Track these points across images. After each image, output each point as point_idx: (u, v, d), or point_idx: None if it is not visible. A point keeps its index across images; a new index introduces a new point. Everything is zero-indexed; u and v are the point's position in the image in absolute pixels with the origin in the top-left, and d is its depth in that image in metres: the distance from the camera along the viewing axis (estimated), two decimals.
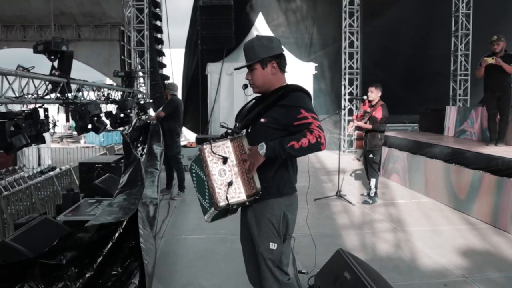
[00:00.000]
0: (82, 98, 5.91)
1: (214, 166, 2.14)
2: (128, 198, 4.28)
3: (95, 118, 5.77)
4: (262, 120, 2.25)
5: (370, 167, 6.42)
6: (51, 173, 10.95)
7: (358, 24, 12.17)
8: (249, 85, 2.39)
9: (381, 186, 7.18)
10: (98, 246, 3.25)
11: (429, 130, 9.53)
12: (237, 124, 2.37)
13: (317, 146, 2.09)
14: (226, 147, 2.15)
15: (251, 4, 13.90)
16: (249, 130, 2.35)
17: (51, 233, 3.30)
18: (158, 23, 12.83)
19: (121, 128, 8.18)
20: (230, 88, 12.83)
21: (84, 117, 5.08)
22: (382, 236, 4.83)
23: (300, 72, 12.05)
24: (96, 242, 3.22)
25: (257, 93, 2.40)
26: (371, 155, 6.35)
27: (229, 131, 2.25)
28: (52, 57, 4.92)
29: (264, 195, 2.23)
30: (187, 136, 16.75)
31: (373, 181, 6.41)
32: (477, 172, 5.59)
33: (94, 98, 6.31)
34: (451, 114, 8.58)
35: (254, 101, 2.47)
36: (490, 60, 6.14)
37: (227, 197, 2.12)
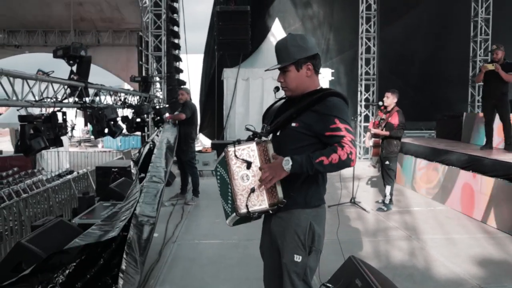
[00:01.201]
0: (99, 103, 6.02)
1: (237, 170, 2.04)
2: (122, 213, 3.91)
3: (112, 122, 5.87)
4: (293, 124, 2.10)
5: (386, 174, 6.36)
6: (69, 176, 11.09)
7: (375, 30, 12.10)
8: (280, 88, 2.22)
9: (397, 194, 7.11)
10: (77, 274, 2.87)
11: (446, 137, 9.38)
12: (265, 126, 2.21)
13: (347, 163, 1.95)
14: (252, 151, 2.04)
15: (268, 10, 13.99)
16: (277, 134, 2.19)
17: (66, 235, 3.35)
18: (175, 28, 13.00)
19: (138, 133, 8.23)
20: (246, 94, 12.88)
21: (101, 121, 5.17)
22: (396, 244, 4.77)
23: None
24: (78, 266, 2.86)
25: (289, 96, 2.23)
26: (387, 162, 6.30)
27: (256, 134, 2.12)
28: (71, 62, 5.02)
29: (290, 205, 2.09)
30: (203, 141, 16.85)
31: (388, 188, 6.35)
32: (495, 180, 5.48)
33: (111, 103, 6.40)
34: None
35: (283, 101, 2.30)
36: (490, 67, 6.37)
37: (247, 205, 2.02)
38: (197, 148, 9.86)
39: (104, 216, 4.08)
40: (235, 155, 2.04)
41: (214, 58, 13.69)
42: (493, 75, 6.37)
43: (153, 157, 5.22)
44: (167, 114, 9.38)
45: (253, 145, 2.05)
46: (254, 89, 12.83)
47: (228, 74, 12.94)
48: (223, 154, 2.11)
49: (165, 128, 6.66)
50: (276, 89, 2.25)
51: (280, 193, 2.02)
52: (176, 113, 6.88)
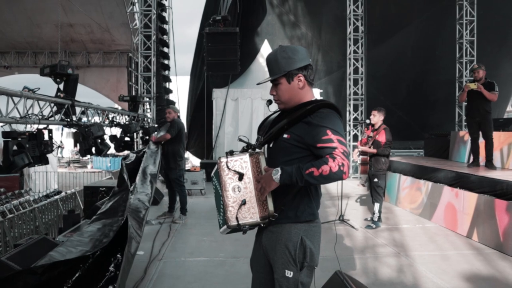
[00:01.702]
0: (86, 121, 5.99)
1: (228, 181, 2.00)
2: (103, 228, 3.76)
3: (99, 140, 5.83)
4: (285, 136, 2.05)
5: (375, 192, 6.37)
6: (56, 196, 10.98)
7: (362, 51, 12.29)
8: (273, 101, 2.19)
9: (385, 211, 7.10)
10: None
11: (434, 155, 9.48)
12: (259, 138, 2.18)
13: (338, 175, 1.88)
14: (244, 162, 2.01)
15: (256, 31, 14.18)
16: (270, 146, 2.14)
17: (47, 251, 3.28)
18: (165, 49, 13.09)
19: (126, 152, 8.19)
20: (235, 114, 12.95)
21: (87, 139, 5.14)
22: (385, 261, 4.74)
23: None
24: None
25: (282, 109, 2.19)
26: (375, 179, 6.31)
27: (249, 145, 2.09)
28: (58, 80, 5.02)
29: (281, 219, 2.04)
30: (192, 161, 16.80)
31: (377, 205, 6.34)
32: (482, 196, 5.51)
33: (98, 121, 6.38)
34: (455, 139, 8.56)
35: (278, 113, 2.25)
36: (473, 86, 6.50)
37: (237, 217, 1.98)
38: (186, 167, 9.83)
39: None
40: (227, 166, 2.01)
41: (201, 79, 13.79)
42: (476, 93, 6.51)
43: (138, 180, 5.19)
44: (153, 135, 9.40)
45: (245, 157, 2.02)
46: (243, 109, 12.91)
47: (218, 94, 13.01)
48: (216, 165, 2.09)
49: (147, 154, 6.59)
50: (269, 102, 2.22)
51: (271, 206, 1.99)
52: (161, 133, 6.87)
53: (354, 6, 12.23)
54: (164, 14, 12.92)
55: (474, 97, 6.59)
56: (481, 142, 6.85)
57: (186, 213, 6.88)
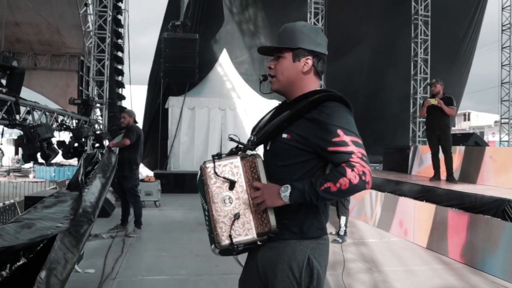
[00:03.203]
0: (32, 122, 5.39)
1: (217, 191, 1.63)
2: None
3: (46, 144, 5.24)
4: (284, 135, 1.68)
5: (341, 204, 6.16)
6: None
7: None
8: (268, 77, 1.80)
9: (348, 225, 6.91)
10: None
11: (393, 169, 9.50)
12: (252, 138, 1.80)
13: (360, 187, 1.54)
14: (235, 167, 1.64)
15: (215, 40, 13.88)
16: (267, 148, 1.78)
17: None
18: (119, 54, 12.47)
19: (73, 160, 7.58)
20: (191, 123, 12.53)
21: (33, 141, 4.56)
22: (358, 277, 4.49)
23: (263, 110, 11.89)
24: None
25: (275, 91, 1.81)
26: None
27: (242, 145, 1.72)
28: (0, 73, 4.44)
29: (283, 234, 1.66)
30: (143, 172, 16.09)
31: (343, 219, 6.13)
32: (450, 210, 5.44)
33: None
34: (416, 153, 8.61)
35: (274, 111, 1.86)
36: (433, 101, 6.60)
37: (230, 235, 1.60)
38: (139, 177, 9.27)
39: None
40: (215, 173, 1.63)
41: (160, 87, 13.29)
42: (436, 108, 6.60)
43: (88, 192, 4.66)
44: (106, 142, 8.79)
45: (236, 160, 1.65)
46: (200, 119, 12.51)
47: (174, 103, 12.54)
48: (199, 171, 1.69)
49: (100, 163, 6.07)
50: (263, 77, 1.83)
51: (272, 221, 1.62)
52: (117, 139, 6.38)
53: (314, 19, 12.26)
54: (120, 17, 12.33)
55: (434, 112, 6.67)
56: (441, 156, 6.89)
57: (140, 226, 6.35)
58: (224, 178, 1.63)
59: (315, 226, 1.70)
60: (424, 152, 8.23)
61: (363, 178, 1.53)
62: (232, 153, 1.71)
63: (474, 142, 8.82)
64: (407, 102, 13.54)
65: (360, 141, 1.60)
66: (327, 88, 1.77)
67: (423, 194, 6.12)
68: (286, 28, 1.76)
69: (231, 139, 1.71)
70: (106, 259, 4.87)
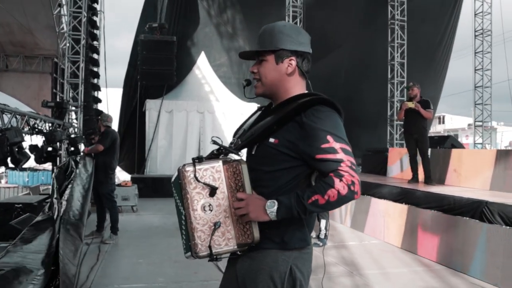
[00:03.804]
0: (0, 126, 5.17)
1: (197, 197, 1.52)
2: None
3: (16, 149, 5.03)
4: (271, 140, 1.59)
5: None
6: None
7: None
8: (252, 81, 1.74)
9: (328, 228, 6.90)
10: None
11: (372, 171, 9.54)
12: (235, 141, 1.70)
13: (349, 197, 1.46)
14: (216, 172, 1.54)
15: (193, 42, 13.76)
16: (253, 152, 1.67)
17: None
18: (95, 56, 12.20)
19: (47, 165, 7.36)
20: (169, 127, 12.36)
21: (2, 146, 4.36)
22: (340, 281, 4.46)
23: (242, 113, 11.85)
24: None
25: (260, 95, 1.73)
26: None
27: (224, 149, 1.62)
28: None
29: (264, 243, 1.57)
30: (121, 177, 15.80)
31: (323, 222, 6.09)
32: (428, 212, 5.46)
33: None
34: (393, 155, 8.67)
35: (259, 112, 1.78)
36: (410, 105, 6.67)
37: (210, 245, 1.51)
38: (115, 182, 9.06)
39: None
40: (195, 177, 1.52)
41: (137, 90, 13.06)
42: (413, 111, 6.66)
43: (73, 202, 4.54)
44: (82, 146, 8.57)
45: (218, 165, 1.55)
46: (178, 122, 12.36)
47: (151, 106, 12.35)
48: (176, 173, 1.59)
49: (79, 170, 5.91)
50: (246, 82, 1.77)
51: (256, 233, 1.53)
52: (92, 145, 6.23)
53: (293, 22, 12.26)
54: (95, 18, 12.07)
55: (412, 115, 6.73)
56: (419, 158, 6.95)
57: (117, 232, 6.18)
58: (205, 183, 1.53)
59: (297, 237, 1.61)
60: (401, 154, 8.29)
61: (352, 188, 1.46)
62: (213, 156, 1.62)
63: (451, 145, 8.94)
64: (384, 105, 13.67)
65: (349, 148, 1.53)
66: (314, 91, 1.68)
67: (402, 196, 6.14)
68: (266, 30, 1.70)
69: (214, 142, 1.61)
70: (80, 267, 4.67)
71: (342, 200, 1.46)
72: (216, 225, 1.52)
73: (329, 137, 1.51)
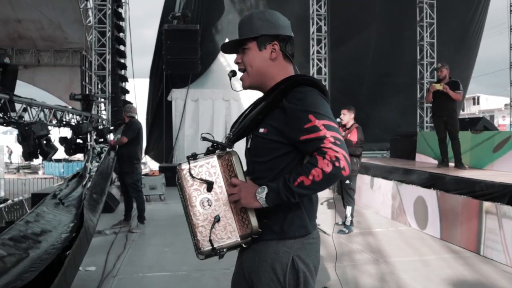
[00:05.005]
0: (29, 120, 5.31)
1: (194, 194, 1.53)
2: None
3: (44, 142, 5.17)
4: (261, 130, 1.58)
5: (347, 194, 6.04)
6: (1, 205, 10.06)
7: (326, 51, 12.10)
8: (238, 72, 1.70)
9: (355, 214, 6.79)
10: None
11: (400, 156, 9.33)
12: (229, 135, 1.68)
13: (336, 174, 1.40)
14: (212, 167, 1.53)
15: (217, 30, 13.69)
16: (248, 146, 1.67)
17: None
18: (121, 47, 12.34)
19: (78, 156, 7.54)
20: (195, 115, 12.42)
21: (28, 139, 4.48)
22: (364, 269, 4.37)
23: None
24: None
25: (247, 87, 1.70)
26: (347, 181, 5.97)
27: (216, 144, 1.60)
28: None
29: (265, 234, 1.55)
30: (151, 166, 16.06)
31: (349, 209, 6.02)
32: (459, 197, 5.28)
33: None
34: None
35: (252, 105, 1.75)
36: (438, 87, 6.46)
37: (210, 239, 1.51)
38: (143, 171, 9.21)
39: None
40: (191, 175, 1.52)
41: (162, 79, 13.16)
42: (442, 93, 6.45)
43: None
44: (111, 136, 8.73)
45: (213, 160, 1.54)
46: (204, 111, 12.39)
47: (177, 95, 12.43)
48: (176, 174, 1.59)
49: (104, 160, 6.03)
50: (232, 73, 1.75)
51: (254, 221, 1.51)
52: (118, 136, 6.30)
53: (317, 5, 12.01)
54: (120, 10, 12.18)
55: (440, 97, 6.52)
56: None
57: (144, 221, 6.29)
58: (201, 179, 1.52)
59: (296, 224, 1.57)
60: (431, 138, 8.04)
61: (337, 164, 1.39)
62: (209, 152, 1.60)
63: (483, 127, 8.61)
64: (413, 88, 13.28)
65: (333, 124, 1.47)
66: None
67: (432, 182, 5.96)
68: (244, 19, 1.68)
69: (204, 139, 1.59)
70: (108, 256, 4.80)
71: (328, 178, 1.41)
72: (216, 219, 1.51)
73: (311, 116, 1.47)
